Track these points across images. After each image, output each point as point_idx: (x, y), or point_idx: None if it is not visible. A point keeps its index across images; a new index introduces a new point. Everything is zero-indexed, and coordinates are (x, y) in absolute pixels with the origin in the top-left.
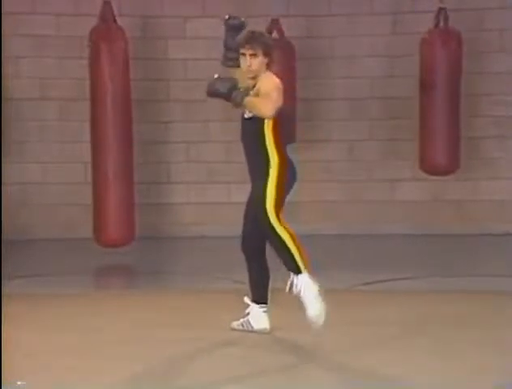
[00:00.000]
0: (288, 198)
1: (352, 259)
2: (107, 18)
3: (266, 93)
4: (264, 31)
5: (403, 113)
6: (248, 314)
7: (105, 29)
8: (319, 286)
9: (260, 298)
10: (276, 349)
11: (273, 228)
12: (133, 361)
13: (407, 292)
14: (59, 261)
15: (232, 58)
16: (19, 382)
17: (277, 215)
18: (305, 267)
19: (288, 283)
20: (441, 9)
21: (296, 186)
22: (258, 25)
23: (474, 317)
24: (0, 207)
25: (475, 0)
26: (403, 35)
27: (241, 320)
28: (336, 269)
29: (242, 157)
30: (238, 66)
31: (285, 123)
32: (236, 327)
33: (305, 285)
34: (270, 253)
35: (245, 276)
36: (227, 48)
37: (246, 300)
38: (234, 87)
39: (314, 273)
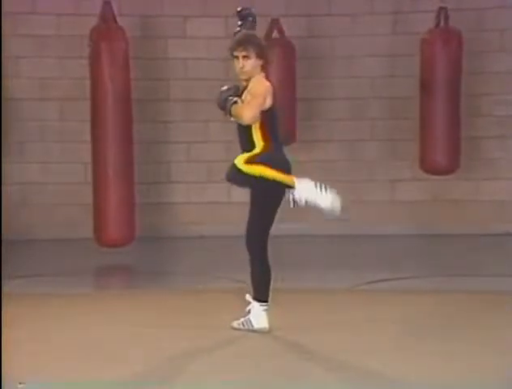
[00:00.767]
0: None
1: (353, 259)
2: (107, 17)
3: (252, 97)
4: (263, 32)
5: (404, 113)
6: (249, 311)
7: (105, 29)
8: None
9: (261, 297)
10: (276, 349)
11: (239, 170)
12: (133, 361)
13: (408, 291)
14: (59, 261)
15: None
16: (19, 383)
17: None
18: (291, 180)
19: (290, 199)
20: (441, 8)
21: None
22: (259, 25)
23: (474, 317)
24: (0, 207)
25: (475, 0)
26: (403, 35)
27: (242, 319)
28: (337, 269)
29: None
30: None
31: (276, 122)
32: (236, 326)
33: (302, 191)
34: (270, 253)
35: (245, 276)
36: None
37: (248, 297)
38: (228, 98)
39: (315, 273)
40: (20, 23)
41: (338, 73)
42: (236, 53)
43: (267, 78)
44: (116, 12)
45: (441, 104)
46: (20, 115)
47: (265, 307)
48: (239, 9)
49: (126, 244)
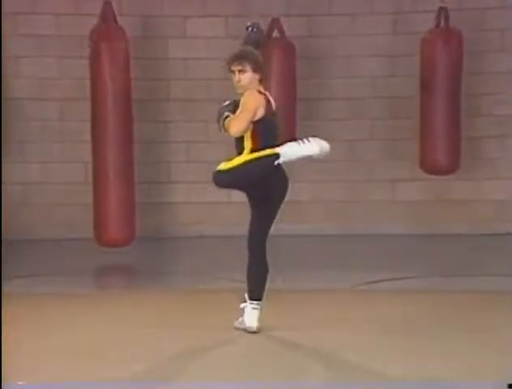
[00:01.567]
0: (288, 197)
1: (353, 259)
2: (107, 17)
3: (240, 111)
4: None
5: (404, 113)
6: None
7: (106, 29)
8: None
9: (256, 295)
10: (276, 349)
11: (224, 170)
12: (133, 361)
13: (408, 291)
14: (59, 261)
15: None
16: (19, 383)
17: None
18: (273, 151)
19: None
20: (441, 8)
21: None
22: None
23: (474, 317)
24: (0, 207)
25: (475, 0)
26: (403, 34)
27: (240, 318)
28: (337, 269)
29: None
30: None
31: (270, 131)
32: (237, 325)
33: (287, 153)
34: (270, 253)
35: (245, 276)
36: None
37: (246, 296)
38: (223, 114)
39: (315, 273)
40: (21, 23)
41: (338, 73)
42: (232, 68)
43: (263, 91)
44: (116, 12)
45: (442, 103)
46: (20, 115)
47: (257, 306)
48: (248, 23)
49: (126, 244)
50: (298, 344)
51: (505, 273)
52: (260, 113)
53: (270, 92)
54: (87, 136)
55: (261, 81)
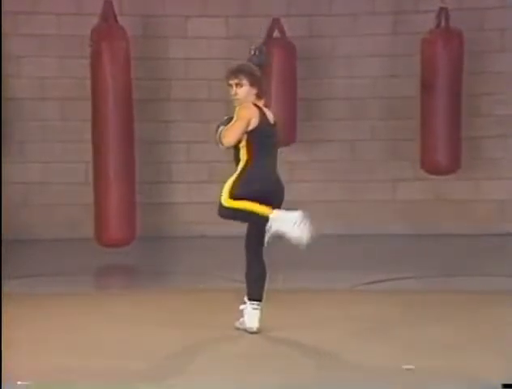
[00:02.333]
0: (288, 197)
1: (353, 259)
2: (108, 17)
3: (234, 120)
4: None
5: (405, 113)
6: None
7: (106, 28)
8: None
9: (255, 296)
10: (276, 349)
11: (225, 206)
12: (133, 361)
13: (408, 291)
14: (60, 261)
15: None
16: (19, 382)
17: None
18: (267, 212)
19: (266, 235)
20: (442, 9)
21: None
22: (260, 25)
23: (474, 317)
24: (0, 207)
25: (476, 0)
26: (404, 35)
27: (241, 319)
28: (337, 269)
29: None
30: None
31: (265, 140)
32: (238, 326)
33: (276, 221)
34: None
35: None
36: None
37: (245, 298)
38: (219, 128)
39: (315, 273)
40: (21, 23)
41: (338, 73)
42: (229, 81)
43: (260, 105)
44: (117, 12)
45: (442, 103)
46: (21, 115)
47: (257, 306)
48: (252, 46)
49: (127, 244)
50: (298, 344)
51: (505, 273)
52: (254, 124)
53: (270, 107)
54: (88, 136)
55: (258, 96)
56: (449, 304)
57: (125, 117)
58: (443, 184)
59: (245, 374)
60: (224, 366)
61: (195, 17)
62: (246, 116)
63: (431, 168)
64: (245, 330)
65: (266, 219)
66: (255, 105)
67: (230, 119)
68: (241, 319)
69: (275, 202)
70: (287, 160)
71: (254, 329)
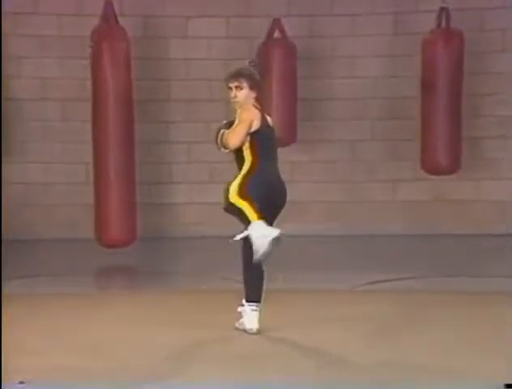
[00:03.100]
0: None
1: (354, 259)
2: (109, 18)
3: (237, 122)
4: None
5: (405, 114)
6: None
7: (107, 29)
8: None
9: (253, 297)
10: (276, 349)
11: (231, 202)
12: (133, 361)
13: (409, 292)
14: (60, 261)
15: None
16: (19, 382)
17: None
18: (253, 216)
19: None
20: (442, 9)
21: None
22: (260, 25)
23: (474, 317)
24: (0, 207)
25: (476, 0)
26: (404, 35)
27: (241, 320)
28: (338, 269)
29: None
30: None
31: (267, 142)
32: (238, 326)
33: (252, 228)
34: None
35: None
36: None
37: (243, 300)
38: (219, 132)
39: (315, 273)
40: (22, 24)
41: (339, 73)
42: (229, 84)
43: (259, 107)
44: (117, 12)
45: (443, 104)
46: (22, 115)
47: (256, 308)
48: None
49: (127, 244)
50: (298, 344)
51: (505, 274)
52: (256, 125)
53: (269, 112)
54: (88, 136)
55: (257, 99)
56: (449, 304)
57: (126, 117)
58: (443, 184)
59: (245, 374)
60: (224, 366)
61: (195, 17)
62: (249, 118)
63: (431, 168)
64: (245, 331)
65: (248, 222)
66: (255, 107)
67: (230, 123)
68: (241, 320)
69: (279, 203)
70: (287, 160)
71: (254, 330)
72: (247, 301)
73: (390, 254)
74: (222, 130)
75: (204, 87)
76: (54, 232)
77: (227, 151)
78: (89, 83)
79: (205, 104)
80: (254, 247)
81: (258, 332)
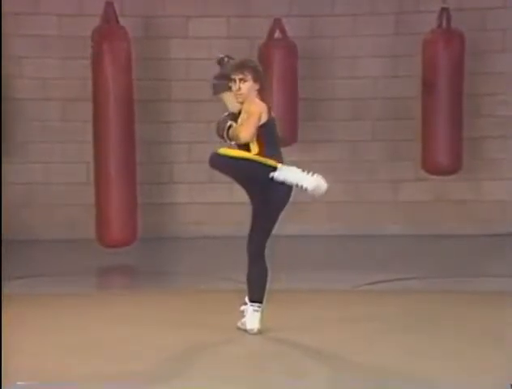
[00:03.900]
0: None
1: (354, 260)
2: (109, 18)
3: (247, 116)
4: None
5: (406, 114)
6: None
7: (108, 29)
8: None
9: (256, 297)
10: (276, 349)
11: (220, 154)
12: (133, 360)
13: (409, 292)
14: (61, 261)
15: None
16: (19, 382)
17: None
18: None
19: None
20: (443, 9)
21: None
22: (261, 25)
23: (474, 317)
24: (0, 207)
25: (477, 0)
26: (405, 35)
27: (243, 319)
28: (338, 269)
29: None
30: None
31: (272, 136)
32: (240, 326)
33: (285, 172)
34: (270, 253)
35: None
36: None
37: (246, 299)
38: (225, 125)
39: (315, 273)
40: (23, 24)
41: (340, 73)
42: (233, 76)
43: (263, 100)
44: (118, 12)
45: (443, 104)
46: (22, 115)
47: (258, 308)
48: (220, 56)
49: (128, 244)
50: (298, 344)
51: (506, 274)
52: (264, 119)
53: (270, 104)
54: (89, 136)
55: (259, 92)
56: (450, 304)
57: (127, 117)
58: (444, 184)
59: (246, 374)
60: (225, 367)
61: (196, 17)
62: (258, 110)
63: (432, 168)
64: (246, 331)
65: (271, 168)
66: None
67: (231, 115)
68: (243, 320)
69: (278, 203)
70: (288, 160)
71: (255, 330)
72: (250, 300)
73: (391, 254)
74: (229, 123)
75: (205, 87)
76: (54, 233)
77: (233, 143)
78: (90, 84)
79: (206, 105)
80: (310, 186)
81: (259, 332)
